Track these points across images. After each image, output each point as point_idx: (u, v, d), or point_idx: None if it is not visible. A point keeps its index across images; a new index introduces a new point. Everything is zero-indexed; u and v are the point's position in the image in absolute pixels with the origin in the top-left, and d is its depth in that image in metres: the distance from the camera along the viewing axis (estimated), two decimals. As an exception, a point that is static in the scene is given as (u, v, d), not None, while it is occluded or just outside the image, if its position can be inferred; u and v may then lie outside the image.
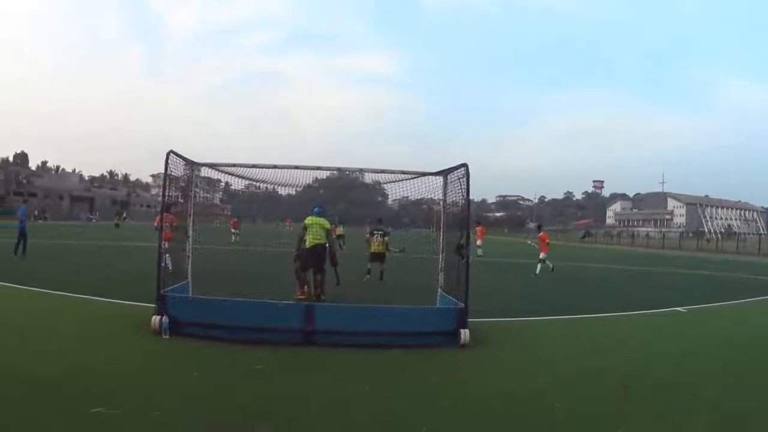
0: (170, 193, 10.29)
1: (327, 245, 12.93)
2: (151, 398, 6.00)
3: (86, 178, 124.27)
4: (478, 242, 34.64)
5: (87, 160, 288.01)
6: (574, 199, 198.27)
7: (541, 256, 22.90)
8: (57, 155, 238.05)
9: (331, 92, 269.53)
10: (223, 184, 13.83)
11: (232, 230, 36.48)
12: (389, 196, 13.99)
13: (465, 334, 8.96)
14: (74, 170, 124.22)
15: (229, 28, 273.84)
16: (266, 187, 14.21)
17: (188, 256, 11.31)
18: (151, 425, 5.24)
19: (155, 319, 9.05)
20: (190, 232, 11.64)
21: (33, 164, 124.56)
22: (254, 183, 12.55)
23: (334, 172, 11.42)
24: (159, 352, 8.22)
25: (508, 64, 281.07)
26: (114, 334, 9.24)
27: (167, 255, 17.13)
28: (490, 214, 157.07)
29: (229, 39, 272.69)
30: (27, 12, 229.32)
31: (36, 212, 39.40)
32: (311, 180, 12.10)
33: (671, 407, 6.42)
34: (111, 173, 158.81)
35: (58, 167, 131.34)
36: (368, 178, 11.68)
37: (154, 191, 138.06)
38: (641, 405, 6.44)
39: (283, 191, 12.43)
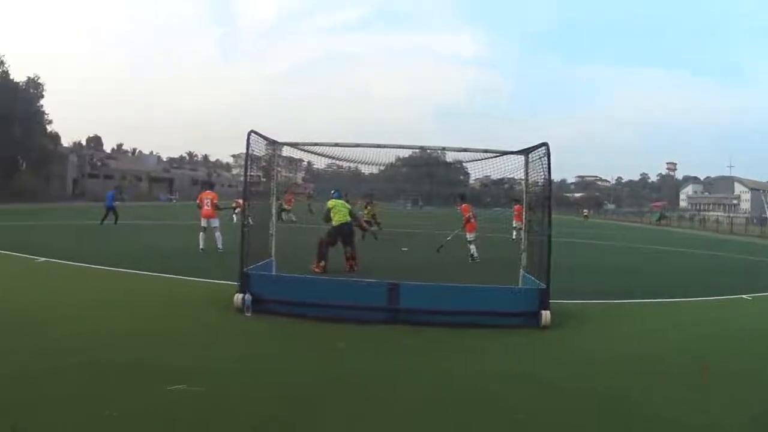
0: (251, 173, 10.16)
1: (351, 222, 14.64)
2: (233, 376, 6.10)
3: (164, 160, 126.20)
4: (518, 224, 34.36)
5: (165, 144, 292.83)
6: (649, 180, 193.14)
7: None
8: (133, 139, 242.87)
9: (409, 71, 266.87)
10: (305, 163, 14.12)
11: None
12: (471, 175, 13.99)
13: (546, 315, 8.84)
14: (151, 152, 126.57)
15: (306, 9, 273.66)
16: (349, 166, 14.43)
17: (272, 235, 11.20)
18: (231, 402, 5.30)
19: (238, 296, 9.14)
20: (273, 211, 11.57)
21: (108, 148, 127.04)
22: (336, 162, 12.67)
23: (416, 150, 11.36)
24: (241, 329, 8.38)
25: (583, 39, 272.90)
26: (197, 312, 9.40)
27: (201, 233, 17.64)
28: (569, 195, 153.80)
29: (306, 20, 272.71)
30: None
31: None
32: (394, 159, 12.12)
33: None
34: (190, 154, 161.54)
35: (134, 150, 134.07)
36: (450, 156, 11.58)
37: (234, 171, 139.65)
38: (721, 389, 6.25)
39: (366, 170, 12.51)
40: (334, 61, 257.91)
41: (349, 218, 14.51)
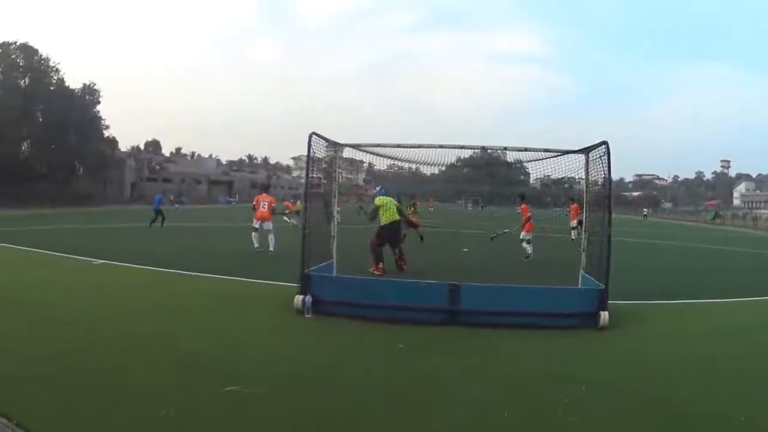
0: (313, 175, 10.29)
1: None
2: (290, 377, 6.22)
3: (224, 163, 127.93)
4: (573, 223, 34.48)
5: (224, 147, 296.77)
6: (704, 178, 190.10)
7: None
8: (193, 142, 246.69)
9: (471, 71, 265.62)
10: (366, 164, 14.13)
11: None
12: (531, 175, 13.88)
13: (604, 316, 8.82)
14: (210, 155, 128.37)
15: (366, 10, 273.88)
16: (410, 167, 14.44)
17: (333, 236, 11.44)
18: (288, 403, 5.41)
19: (298, 298, 9.31)
20: (335, 213, 11.74)
21: (166, 151, 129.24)
22: (397, 163, 12.75)
23: (477, 151, 11.37)
24: (301, 330, 8.55)
25: (642, 38, 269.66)
26: (257, 313, 9.63)
27: (253, 233, 17.89)
28: (627, 194, 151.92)
29: (367, 21, 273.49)
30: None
31: (171, 197, 41.16)
32: (454, 159, 12.14)
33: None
34: (250, 157, 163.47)
35: (193, 153, 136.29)
36: (510, 156, 11.56)
37: (295, 173, 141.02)
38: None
39: (427, 170, 12.54)
40: (395, 62, 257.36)
41: (398, 216, 14.21)
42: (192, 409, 5.13)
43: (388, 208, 13.94)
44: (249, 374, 6.13)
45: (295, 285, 9.71)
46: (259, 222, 18.99)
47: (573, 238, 22.61)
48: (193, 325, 8.55)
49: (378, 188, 14.57)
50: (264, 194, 19.95)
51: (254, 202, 19.76)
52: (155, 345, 7.22)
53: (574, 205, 22.59)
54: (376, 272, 13.15)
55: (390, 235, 13.96)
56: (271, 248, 18.26)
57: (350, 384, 6.05)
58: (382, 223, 13.78)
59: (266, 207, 19.05)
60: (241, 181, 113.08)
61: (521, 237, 18.69)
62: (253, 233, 19.03)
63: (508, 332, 8.43)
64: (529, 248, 18.24)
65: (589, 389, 6.04)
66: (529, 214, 18.60)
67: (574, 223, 22.94)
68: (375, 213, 14.06)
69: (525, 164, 12.48)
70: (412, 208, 25.83)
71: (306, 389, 5.80)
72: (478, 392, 5.88)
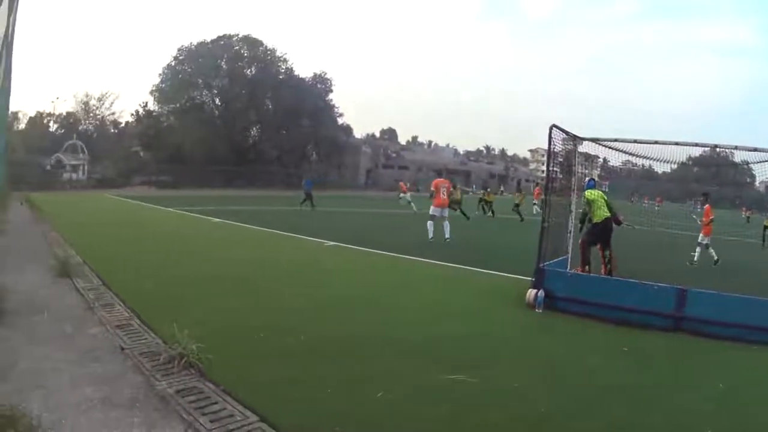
0: (551, 168, 10.67)
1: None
2: (513, 370, 6.50)
3: (461, 153, 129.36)
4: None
5: (460, 137, 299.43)
6: None
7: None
8: (429, 133, 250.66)
9: (690, 63, 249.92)
10: (600, 160, 13.78)
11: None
12: (757, 177, 13.09)
13: None
14: (447, 145, 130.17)
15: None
16: (642, 164, 13.97)
17: (569, 232, 11.81)
18: (506, 396, 5.64)
19: (531, 292, 9.69)
20: (573, 208, 12.04)
21: (402, 140, 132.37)
22: (631, 159, 12.48)
23: (706, 150, 10.93)
24: (529, 325, 8.83)
25: None
26: (488, 304, 10.04)
27: (429, 222, 17.80)
28: None
29: (591, 11, 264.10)
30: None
31: (408, 184, 42.82)
32: (685, 157, 11.74)
33: None
34: (487, 148, 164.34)
35: (430, 142, 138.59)
36: (738, 157, 11.02)
37: (532, 166, 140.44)
38: None
39: (659, 168, 12.19)
40: (616, 55, 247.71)
41: (610, 213, 12.63)
42: (408, 393, 5.51)
43: (599, 204, 12.52)
44: (473, 365, 6.45)
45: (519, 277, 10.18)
46: (439, 209, 18.72)
47: None
48: (423, 308, 9.24)
49: (589, 181, 13.51)
50: (442, 179, 20.20)
51: (433, 187, 19.08)
52: (381, 333, 7.67)
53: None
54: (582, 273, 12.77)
55: (604, 234, 12.56)
56: (447, 236, 18.25)
57: (569, 383, 6.21)
58: (594, 221, 12.49)
59: (445, 194, 18.92)
60: (479, 171, 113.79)
61: (699, 240, 17.45)
62: (429, 222, 18.71)
63: (738, 347, 7.87)
64: (702, 253, 17.19)
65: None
66: (712, 216, 17.44)
67: None
68: (586, 208, 12.84)
69: (751, 165, 11.75)
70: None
71: (522, 383, 5.98)
72: (688, 406, 5.70)
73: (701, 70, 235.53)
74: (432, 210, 18.92)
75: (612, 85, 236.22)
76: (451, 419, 5.04)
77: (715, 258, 17.19)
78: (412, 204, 33.56)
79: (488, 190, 35.24)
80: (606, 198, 12.81)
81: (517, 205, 31.38)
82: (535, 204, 36.52)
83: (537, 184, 51.80)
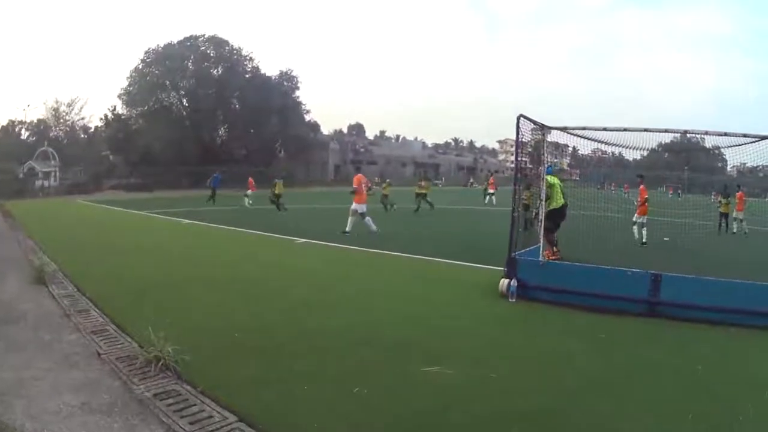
0: (519, 158, 10.46)
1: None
2: (489, 360, 6.49)
3: (429, 146, 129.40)
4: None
5: (428, 131, 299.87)
6: None
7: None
8: (397, 126, 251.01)
9: (670, 53, 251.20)
10: (570, 148, 13.75)
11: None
12: (728, 162, 13.16)
13: None
14: (416, 138, 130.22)
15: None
16: (612, 152, 14.05)
17: (540, 221, 11.83)
18: (484, 387, 5.65)
19: (503, 282, 9.67)
20: (543, 196, 11.99)
21: (370, 135, 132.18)
22: (601, 147, 12.49)
23: (677, 136, 10.96)
24: (503, 315, 8.83)
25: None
26: (460, 295, 10.13)
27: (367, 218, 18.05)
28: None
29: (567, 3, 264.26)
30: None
31: (376, 179, 42.90)
32: (656, 144, 11.77)
33: None
34: (455, 140, 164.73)
35: (398, 136, 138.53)
36: (709, 142, 11.06)
37: (501, 157, 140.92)
38: None
39: (629, 155, 12.27)
40: (595, 45, 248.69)
41: (565, 200, 13.57)
42: (386, 386, 5.55)
43: (557, 189, 13.22)
44: (447, 356, 6.45)
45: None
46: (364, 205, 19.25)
47: (735, 231, 21.57)
48: (395, 305, 9.09)
49: (549, 167, 13.44)
50: (360, 175, 19.87)
51: (355, 184, 19.11)
52: (356, 326, 7.70)
53: (740, 193, 20.94)
54: (553, 257, 12.97)
55: (561, 218, 13.43)
56: (348, 228, 18.55)
57: (548, 372, 6.20)
58: (552, 207, 12.92)
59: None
60: (448, 163, 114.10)
61: (634, 220, 18.05)
62: (367, 218, 18.84)
63: (710, 329, 7.94)
64: (638, 230, 17.88)
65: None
66: (646, 196, 18.05)
67: (740, 214, 21.38)
68: (549, 191, 12.82)
69: (722, 150, 11.82)
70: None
71: (499, 374, 5.96)
72: (666, 389, 5.73)
73: (688, 57, 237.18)
74: (360, 207, 18.83)
75: (593, 72, 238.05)
76: (431, 411, 5.02)
77: (644, 240, 17.58)
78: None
79: (421, 183, 31.82)
80: (562, 186, 13.64)
81: (422, 195, 29.95)
82: (491, 194, 37.77)
83: (491, 173, 52.54)
